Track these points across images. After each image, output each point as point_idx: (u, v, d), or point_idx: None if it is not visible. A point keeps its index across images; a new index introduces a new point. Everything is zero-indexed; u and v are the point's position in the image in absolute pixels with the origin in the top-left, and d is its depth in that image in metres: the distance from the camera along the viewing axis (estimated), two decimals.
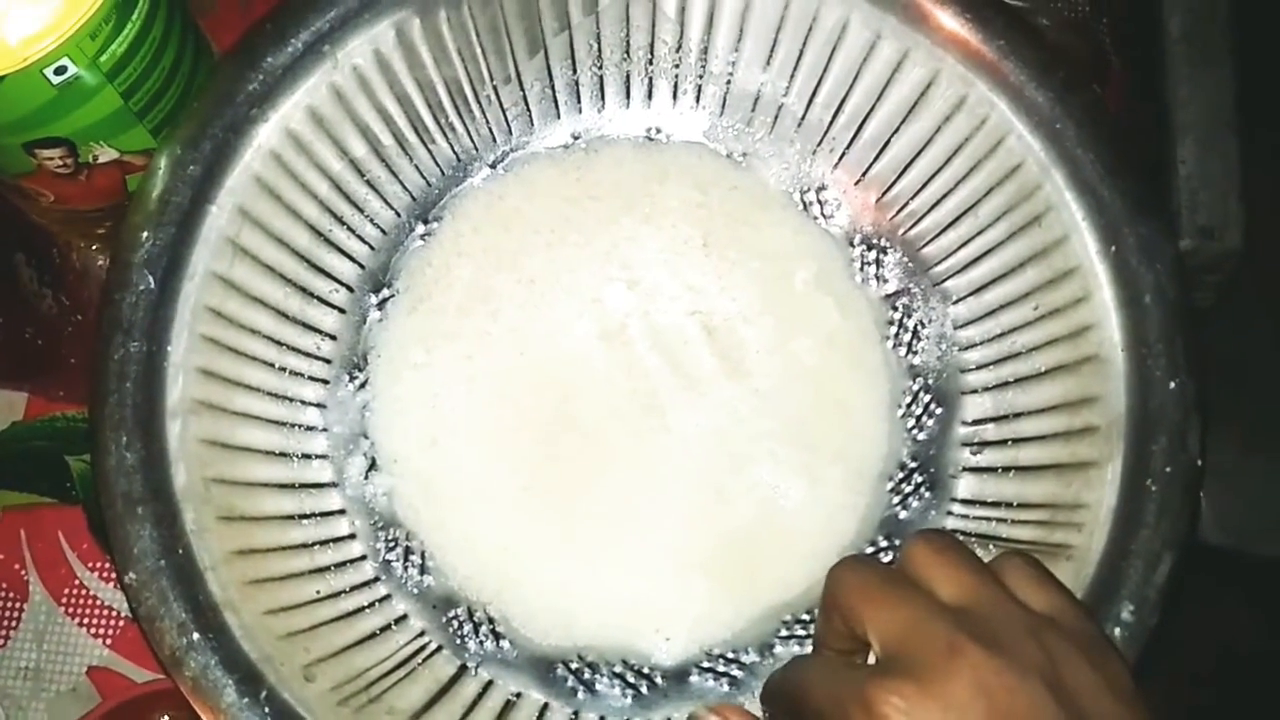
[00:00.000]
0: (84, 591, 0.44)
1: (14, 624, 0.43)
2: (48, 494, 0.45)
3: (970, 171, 0.40)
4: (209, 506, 0.35)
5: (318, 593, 0.36)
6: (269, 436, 0.38)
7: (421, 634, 0.38)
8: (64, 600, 0.43)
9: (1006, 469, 0.39)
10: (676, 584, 0.39)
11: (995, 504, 0.38)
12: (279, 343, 0.39)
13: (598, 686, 0.38)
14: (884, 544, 0.39)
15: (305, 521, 0.38)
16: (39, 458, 0.45)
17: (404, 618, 0.38)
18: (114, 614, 0.43)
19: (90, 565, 0.44)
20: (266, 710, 0.32)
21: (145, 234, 0.36)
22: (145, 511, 0.34)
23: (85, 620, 0.43)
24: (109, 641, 0.43)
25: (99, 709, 0.38)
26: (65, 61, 0.35)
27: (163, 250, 0.36)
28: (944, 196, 0.41)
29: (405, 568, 0.39)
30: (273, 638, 0.34)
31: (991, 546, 0.37)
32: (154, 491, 0.34)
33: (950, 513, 0.39)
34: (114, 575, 0.44)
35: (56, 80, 0.35)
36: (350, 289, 0.41)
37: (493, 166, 0.43)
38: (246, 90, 0.38)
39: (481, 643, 0.38)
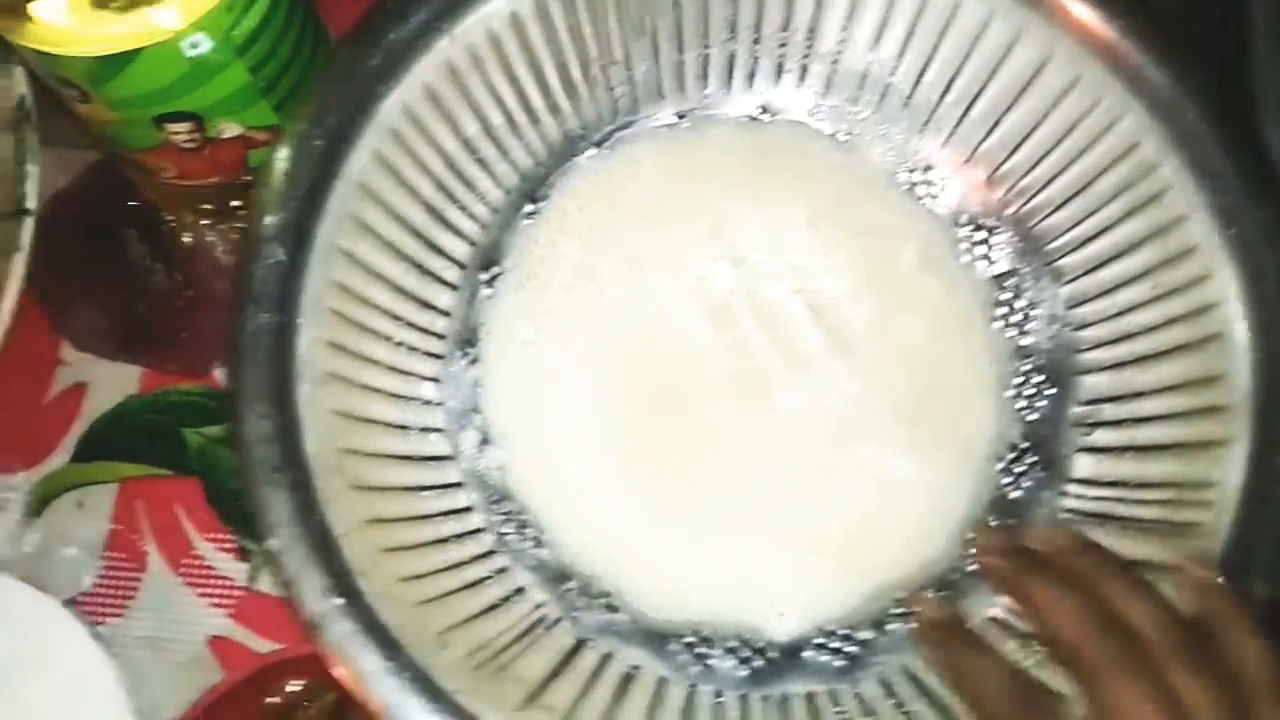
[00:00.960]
0: (201, 562, 0.44)
1: (132, 594, 0.44)
2: (164, 466, 0.45)
3: (1084, 150, 0.40)
4: (340, 476, 0.35)
5: (443, 562, 0.37)
6: (390, 409, 0.39)
7: (540, 605, 0.38)
8: (181, 570, 0.44)
9: (1125, 449, 0.38)
10: (787, 561, 0.39)
11: (1113, 484, 0.38)
12: (397, 318, 0.39)
13: (711, 661, 0.38)
14: (994, 524, 0.39)
15: (426, 493, 0.38)
16: (155, 430, 0.45)
17: (522, 589, 0.38)
18: (231, 584, 0.44)
19: (207, 536, 0.44)
20: (407, 675, 0.32)
21: (275, 207, 0.36)
22: (282, 479, 0.34)
23: (203, 590, 0.44)
24: (229, 612, 0.43)
25: (233, 677, 0.38)
26: (200, 35, 0.36)
27: (291, 224, 0.36)
28: (1057, 175, 0.41)
29: (521, 541, 0.39)
30: (406, 605, 0.34)
31: (1109, 526, 0.37)
32: (290, 459, 0.34)
33: (1065, 493, 0.39)
34: (231, 546, 0.44)
35: (191, 54, 0.36)
36: (462, 266, 0.42)
37: (598, 145, 0.43)
38: (369, 67, 0.38)
39: (597, 616, 0.38)
